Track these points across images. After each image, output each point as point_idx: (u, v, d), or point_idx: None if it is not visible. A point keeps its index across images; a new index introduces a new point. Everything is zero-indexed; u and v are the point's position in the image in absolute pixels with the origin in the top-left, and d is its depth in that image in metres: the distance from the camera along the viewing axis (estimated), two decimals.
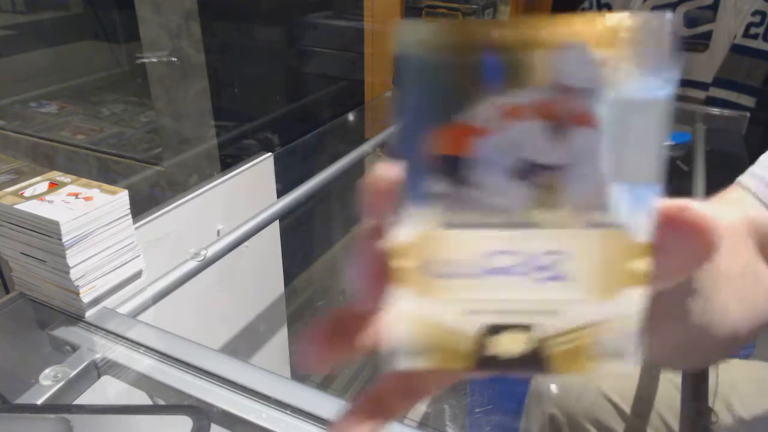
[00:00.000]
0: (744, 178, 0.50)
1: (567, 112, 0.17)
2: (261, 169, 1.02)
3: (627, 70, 0.17)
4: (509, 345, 0.19)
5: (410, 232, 0.18)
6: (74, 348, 0.56)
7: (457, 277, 0.18)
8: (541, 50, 0.17)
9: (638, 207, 0.18)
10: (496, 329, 0.19)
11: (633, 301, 0.18)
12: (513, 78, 0.17)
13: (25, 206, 0.57)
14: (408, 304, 0.19)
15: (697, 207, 0.19)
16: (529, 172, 0.17)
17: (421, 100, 0.17)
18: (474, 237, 0.18)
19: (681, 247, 0.19)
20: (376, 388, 0.22)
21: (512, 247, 0.18)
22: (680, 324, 0.34)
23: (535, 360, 0.19)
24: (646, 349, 0.36)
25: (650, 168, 0.17)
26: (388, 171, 0.19)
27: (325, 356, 0.21)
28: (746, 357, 0.88)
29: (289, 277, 1.13)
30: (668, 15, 0.17)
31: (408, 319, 0.19)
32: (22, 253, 0.59)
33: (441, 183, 0.18)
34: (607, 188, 0.17)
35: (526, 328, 0.19)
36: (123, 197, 0.61)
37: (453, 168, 0.18)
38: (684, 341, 0.37)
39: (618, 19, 0.17)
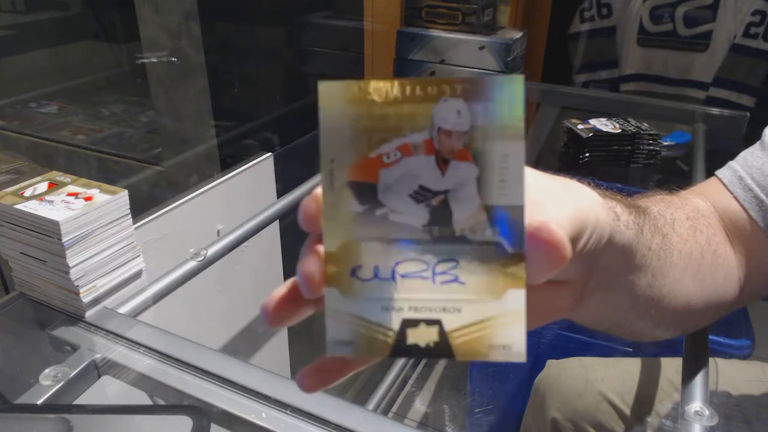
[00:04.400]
0: (721, 171, 0.52)
1: (448, 150, 0.22)
2: (261, 169, 1.02)
3: (490, 118, 0.22)
4: (424, 336, 0.23)
5: (334, 243, 0.23)
6: (74, 348, 0.56)
7: (375, 280, 0.23)
8: (426, 102, 0.22)
9: (509, 224, 0.22)
10: (412, 323, 0.23)
11: (516, 300, 0.22)
12: (407, 123, 0.22)
13: (25, 206, 0.57)
14: (336, 302, 0.23)
15: (553, 225, 0.23)
16: (424, 196, 0.23)
17: (341, 141, 0.22)
18: (385, 247, 0.23)
19: (539, 257, 0.23)
20: (320, 360, 0.26)
21: (416, 255, 0.23)
22: (625, 294, 0.37)
23: (444, 348, 0.23)
24: (586, 317, 0.39)
25: (516, 192, 0.22)
26: (317, 195, 0.23)
27: (284, 312, 0.25)
28: (746, 357, 0.88)
29: (289, 277, 1.13)
30: (521, 76, 0.21)
31: (336, 315, 0.23)
32: (22, 253, 0.59)
33: (358, 204, 0.23)
34: (484, 208, 0.22)
35: (436, 322, 0.23)
36: (123, 197, 0.61)
37: (367, 193, 0.23)
38: (631, 309, 0.39)
39: (481, 79, 0.22)
